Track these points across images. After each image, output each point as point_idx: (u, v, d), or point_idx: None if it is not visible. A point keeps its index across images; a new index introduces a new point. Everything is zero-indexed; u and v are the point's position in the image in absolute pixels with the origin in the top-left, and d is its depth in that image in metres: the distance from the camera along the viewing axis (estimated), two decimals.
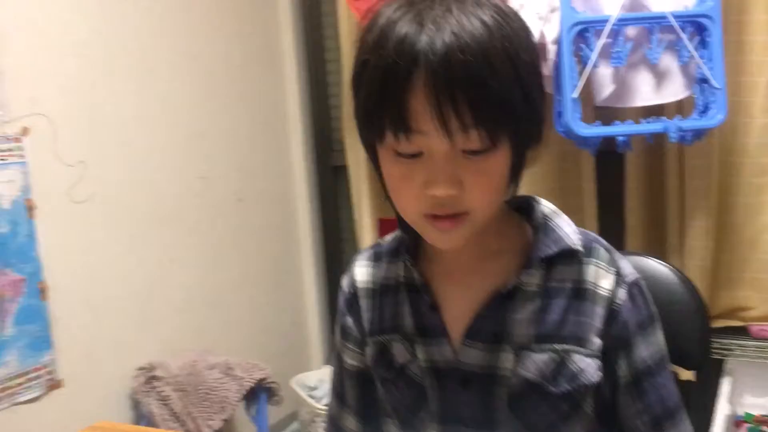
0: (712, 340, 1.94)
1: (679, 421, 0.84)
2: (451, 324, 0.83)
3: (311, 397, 2.47)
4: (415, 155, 0.72)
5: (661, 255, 1.10)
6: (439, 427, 0.85)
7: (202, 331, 2.43)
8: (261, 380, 2.21)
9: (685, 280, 1.06)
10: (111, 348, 2.09)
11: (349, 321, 0.95)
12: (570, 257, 0.81)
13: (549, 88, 1.81)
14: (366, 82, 0.72)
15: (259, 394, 2.25)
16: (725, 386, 1.89)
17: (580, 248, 0.81)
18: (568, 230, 0.83)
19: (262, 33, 2.72)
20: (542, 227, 0.83)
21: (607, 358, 0.81)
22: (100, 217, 2.06)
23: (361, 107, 0.74)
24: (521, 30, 0.73)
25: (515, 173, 0.78)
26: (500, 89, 0.68)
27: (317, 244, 2.94)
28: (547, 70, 1.73)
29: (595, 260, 0.81)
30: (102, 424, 1.40)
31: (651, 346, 0.83)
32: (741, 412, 1.94)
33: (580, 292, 0.80)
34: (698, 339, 1.04)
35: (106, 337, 2.07)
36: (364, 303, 0.92)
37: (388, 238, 0.94)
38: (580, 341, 0.79)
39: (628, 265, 0.84)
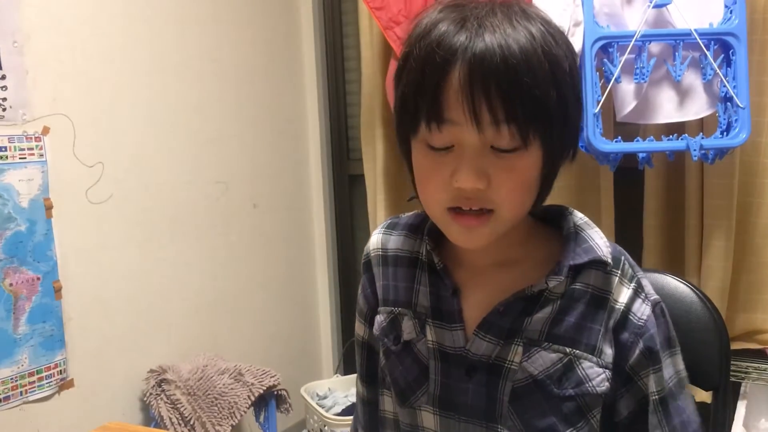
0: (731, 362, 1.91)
1: None
2: (467, 313, 0.85)
3: (320, 405, 2.46)
4: (447, 148, 0.73)
5: (678, 274, 1.09)
6: (435, 411, 0.85)
7: (214, 335, 2.43)
8: (271, 387, 2.20)
9: (705, 300, 1.05)
10: (122, 349, 2.09)
11: (362, 289, 0.98)
12: (596, 267, 0.81)
13: None
14: (406, 73, 0.74)
15: (268, 400, 2.24)
16: (740, 409, 1.85)
17: (609, 260, 0.81)
18: (600, 242, 0.83)
19: (283, 40, 2.73)
20: (573, 236, 0.83)
21: (630, 375, 0.81)
22: (116, 218, 2.07)
23: (400, 98, 0.76)
24: (564, 44, 0.74)
25: (546, 181, 0.78)
26: (535, 88, 0.69)
27: (331, 252, 2.93)
28: None
29: (618, 272, 0.82)
30: (112, 425, 1.40)
31: (674, 367, 0.83)
32: None
33: (599, 301, 0.81)
34: (717, 360, 1.03)
35: (117, 338, 2.08)
36: (376, 270, 0.95)
37: (409, 213, 0.97)
38: (593, 349, 0.80)
39: (649, 285, 0.84)
